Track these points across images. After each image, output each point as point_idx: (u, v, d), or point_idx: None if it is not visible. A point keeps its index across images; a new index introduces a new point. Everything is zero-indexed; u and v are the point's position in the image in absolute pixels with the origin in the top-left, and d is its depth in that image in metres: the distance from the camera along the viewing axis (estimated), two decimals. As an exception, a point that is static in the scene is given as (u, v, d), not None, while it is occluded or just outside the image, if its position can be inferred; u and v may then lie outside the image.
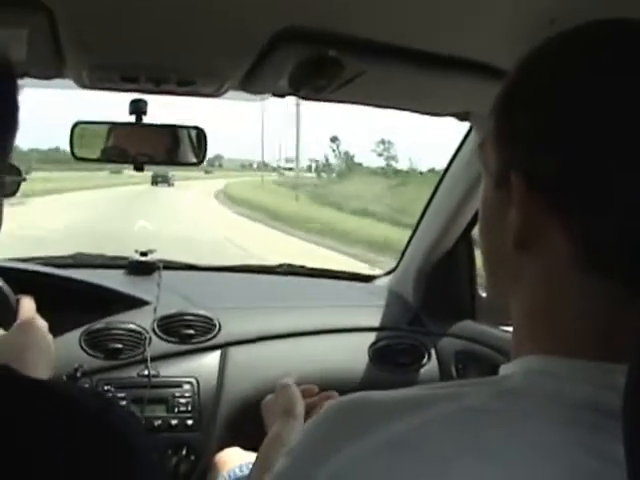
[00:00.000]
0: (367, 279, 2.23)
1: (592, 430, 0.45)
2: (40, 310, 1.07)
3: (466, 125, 1.63)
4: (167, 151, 1.47)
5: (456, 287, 1.88)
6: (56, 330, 1.11)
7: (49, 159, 50.92)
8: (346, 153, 39.82)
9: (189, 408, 1.57)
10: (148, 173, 31.84)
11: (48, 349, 1.00)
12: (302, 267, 2.25)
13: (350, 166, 38.14)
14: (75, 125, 1.41)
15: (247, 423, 1.31)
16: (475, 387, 0.49)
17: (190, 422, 1.57)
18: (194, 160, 1.49)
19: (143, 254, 1.96)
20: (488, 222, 0.56)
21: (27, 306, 1.06)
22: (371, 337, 1.81)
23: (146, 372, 1.58)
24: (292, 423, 1.02)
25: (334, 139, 39.39)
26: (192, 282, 2.02)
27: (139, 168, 1.45)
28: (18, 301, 1.08)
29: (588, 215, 0.47)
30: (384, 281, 2.14)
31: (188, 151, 1.48)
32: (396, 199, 19.26)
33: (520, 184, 0.50)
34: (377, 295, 2.02)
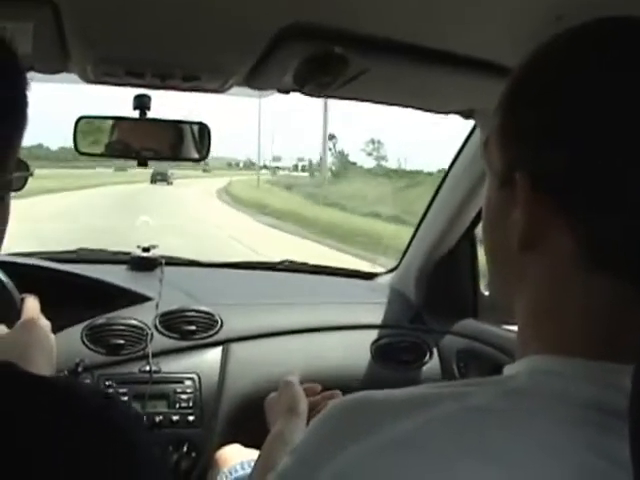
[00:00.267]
0: (369, 276, 2.23)
1: (600, 430, 0.44)
2: (42, 305, 1.07)
3: (466, 125, 1.63)
4: (171, 146, 1.47)
5: (458, 285, 1.88)
6: (58, 325, 1.11)
7: (31, 156, 50.26)
8: (340, 152, 39.49)
9: (190, 404, 1.57)
10: (145, 171, 30.55)
11: (50, 348, 1.00)
12: (304, 264, 2.24)
13: (345, 165, 37.81)
14: (79, 120, 1.41)
15: (248, 420, 1.32)
16: (480, 387, 0.49)
17: (191, 418, 1.57)
18: (197, 156, 1.49)
19: (145, 250, 1.96)
20: (492, 221, 0.56)
21: (31, 305, 1.06)
22: (373, 334, 1.81)
23: (147, 368, 1.58)
24: (295, 421, 1.01)
25: (332, 137, 38.74)
26: (194, 278, 2.02)
27: (143, 163, 1.45)
28: (22, 300, 1.08)
29: (593, 214, 0.47)
30: (386, 279, 2.14)
31: (191, 147, 1.48)
32: (405, 202, 18.26)
33: (525, 184, 0.49)
34: (379, 293, 2.01)
